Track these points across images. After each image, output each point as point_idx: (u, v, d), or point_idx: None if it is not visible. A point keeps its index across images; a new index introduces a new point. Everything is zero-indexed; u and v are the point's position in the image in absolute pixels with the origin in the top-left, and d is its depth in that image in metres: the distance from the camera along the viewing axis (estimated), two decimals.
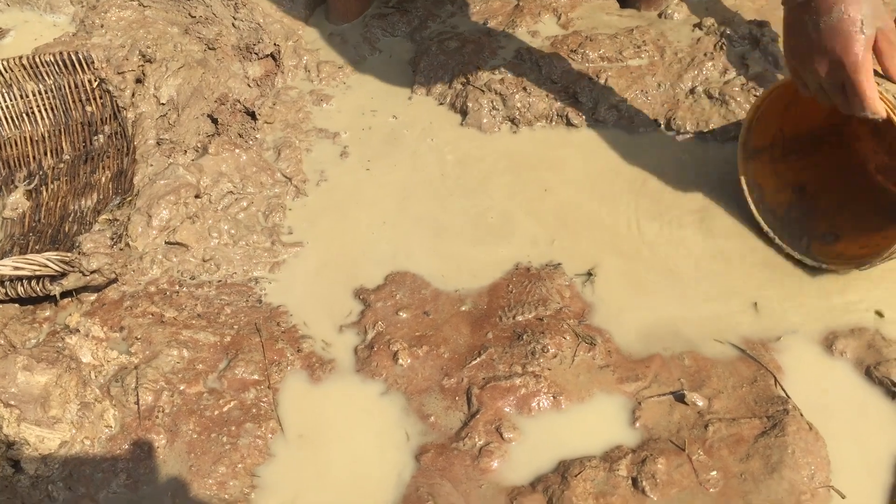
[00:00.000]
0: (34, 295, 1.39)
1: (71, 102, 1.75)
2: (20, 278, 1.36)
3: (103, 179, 1.67)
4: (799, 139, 1.47)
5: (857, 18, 1.12)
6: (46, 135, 1.76)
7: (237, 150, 1.63)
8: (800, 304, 1.34)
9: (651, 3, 1.88)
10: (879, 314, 1.30)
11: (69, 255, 1.36)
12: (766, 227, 1.43)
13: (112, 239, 1.47)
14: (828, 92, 1.21)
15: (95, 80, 1.73)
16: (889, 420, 1.17)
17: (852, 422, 1.18)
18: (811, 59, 1.19)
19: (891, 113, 1.17)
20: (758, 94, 1.60)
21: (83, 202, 1.64)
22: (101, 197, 1.64)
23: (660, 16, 1.86)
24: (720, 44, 1.72)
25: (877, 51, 1.16)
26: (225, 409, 1.27)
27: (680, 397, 1.22)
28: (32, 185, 1.69)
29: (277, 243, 1.53)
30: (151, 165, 1.62)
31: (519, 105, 1.69)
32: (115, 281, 1.43)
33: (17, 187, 1.70)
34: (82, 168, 1.71)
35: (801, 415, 1.17)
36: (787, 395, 1.20)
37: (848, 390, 1.22)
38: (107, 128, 1.74)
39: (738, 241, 1.45)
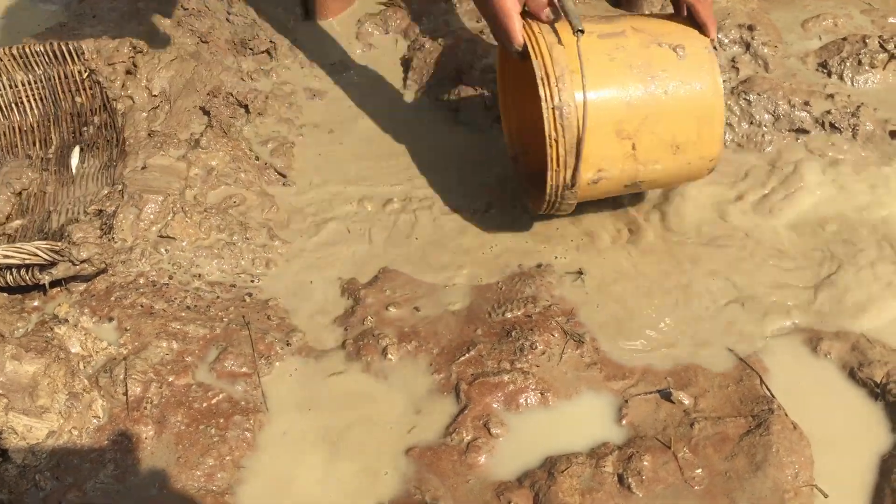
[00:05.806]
0: (23, 284, 1.38)
1: (60, 93, 1.74)
2: (9, 267, 1.36)
3: (92, 170, 1.67)
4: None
5: None
6: (35, 125, 1.75)
7: (229, 144, 1.63)
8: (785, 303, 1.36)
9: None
10: None
11: (59, 244, 1.35)
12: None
13: (101, 229, 1.47)
14: (496, 37, 1.32)
15: (86, 71, 1.72)
16: (872, 421, 1.19)
17: (836, 422, 1.19)
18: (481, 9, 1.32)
19: (528, 41, 1.25)
20: (748, 97, 1.62)
21: (72, 193, 1.63)
22: (90, 188, 1.63)
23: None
24: None
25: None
26: (213, 401, 1.27)
27: (666, 395, 1.23)
28: (20, 175, 1.69)
29: (268, 238, 1.53)
30: (142, 157, 1.61)
31: None
32: (104, 271, 1.42)
33: (5, 177, 1.69)
34: (71, 159, 1.70)
35: (786, 414, 1.18)
36: (772, 394, 1.22)
37: (832, 391, 1.23)
38: (96, 119, 1.73)
39: None
